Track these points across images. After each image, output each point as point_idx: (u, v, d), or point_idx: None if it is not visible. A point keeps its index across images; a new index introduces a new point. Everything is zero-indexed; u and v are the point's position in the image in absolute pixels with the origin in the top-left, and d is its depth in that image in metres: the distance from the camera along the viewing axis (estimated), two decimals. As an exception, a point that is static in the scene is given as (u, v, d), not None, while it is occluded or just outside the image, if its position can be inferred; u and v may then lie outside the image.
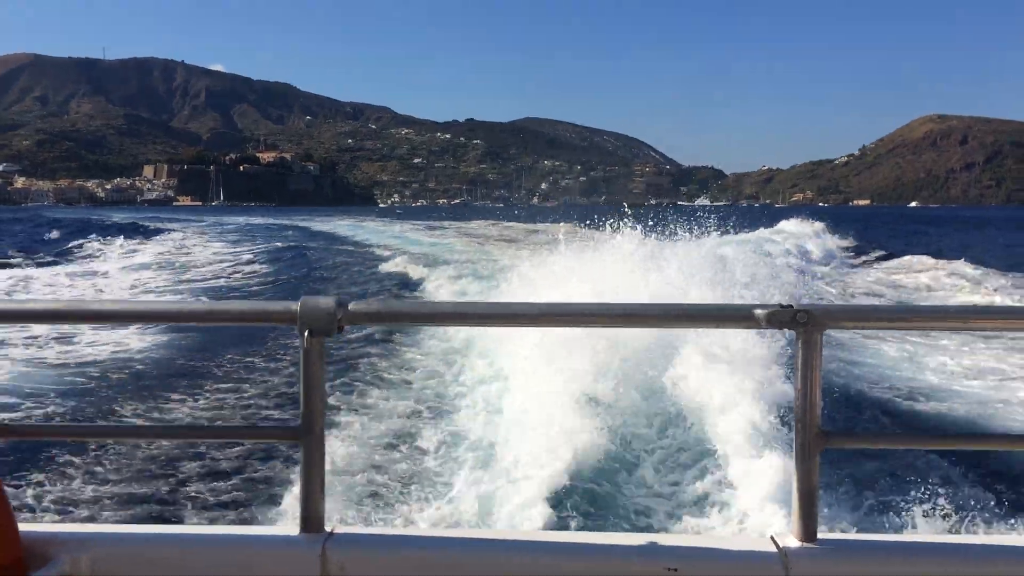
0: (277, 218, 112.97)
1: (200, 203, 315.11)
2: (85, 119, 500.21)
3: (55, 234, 57.09)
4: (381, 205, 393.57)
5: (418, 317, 2.77)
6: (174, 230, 65.86)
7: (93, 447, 9.16)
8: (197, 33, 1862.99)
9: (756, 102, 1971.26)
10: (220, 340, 15.98)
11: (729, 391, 9.73)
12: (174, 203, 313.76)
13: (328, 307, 2.22)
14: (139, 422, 10.77)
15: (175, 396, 12.17)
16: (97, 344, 15.73)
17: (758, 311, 2.22)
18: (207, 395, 12.26)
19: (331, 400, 11.29)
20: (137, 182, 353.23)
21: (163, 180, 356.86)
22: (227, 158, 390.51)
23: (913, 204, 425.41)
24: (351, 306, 2.26)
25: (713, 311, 2.62)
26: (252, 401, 11.96)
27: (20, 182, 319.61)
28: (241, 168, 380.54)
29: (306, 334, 2.21)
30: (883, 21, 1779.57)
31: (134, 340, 16.04)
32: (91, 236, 52.03)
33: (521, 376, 11.28)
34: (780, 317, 2.19)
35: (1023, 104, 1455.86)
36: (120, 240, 49.62)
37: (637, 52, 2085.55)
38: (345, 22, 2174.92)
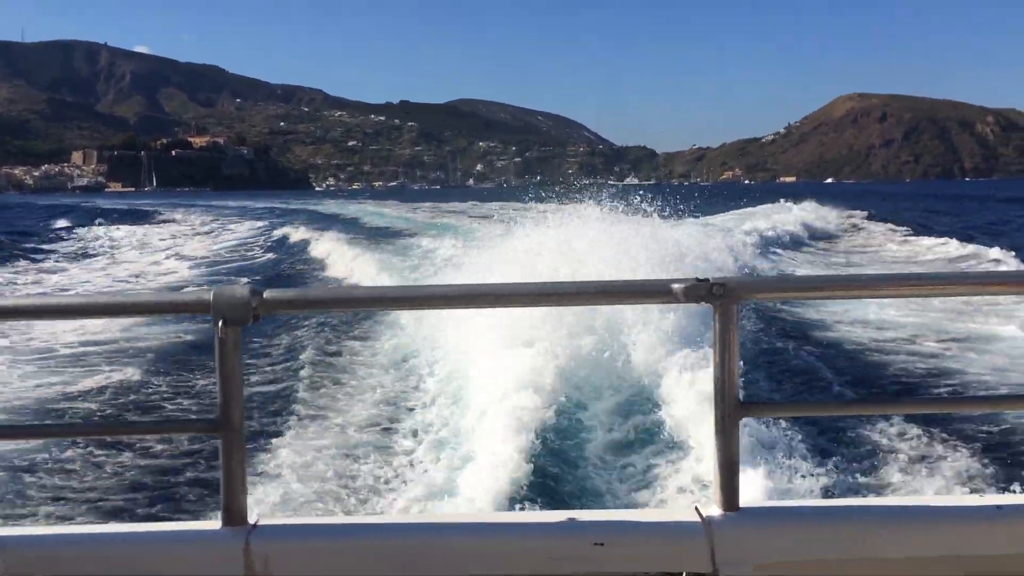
0: (270, 202, 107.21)
1: (132, 189, 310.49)
2: (5, 103, 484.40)
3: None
4: (317, 188, 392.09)
5: (335, 302, 2.74)
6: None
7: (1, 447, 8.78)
8: (119, 14, 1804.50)
9: (687, 82, 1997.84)
10: (139, 331, 15.87)
11: (680, 361, 10.02)
12: (105, 189, 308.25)
13: (243, 296, 2.19)
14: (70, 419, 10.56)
15: (88, 391, 11.95)
16: (8, 340, 15.10)
17: (675, 285, 2.24)
18: (123, 389, 12.07)
19: (276, 391, 11.52)
20: (66, 168, 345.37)
21: (93, 166, 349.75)
22: (158, 143, 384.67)
23: (829, 180, 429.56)
24: (266, 294, 2.23)
25: (630, 287, 2.64)
26: (174, 394, 11.85)
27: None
28: (173, 153, 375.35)
29: (220, 324, 2.19)
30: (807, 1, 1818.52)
31: (48, 334, 15.48)
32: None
33: (472, 357, 11.32)
34: (696, 291, 2.22)
35: (937, 81, 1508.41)
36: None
37: (569, 33, 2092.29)
38: (273, 1, 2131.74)
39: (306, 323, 16.06)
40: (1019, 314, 16.00)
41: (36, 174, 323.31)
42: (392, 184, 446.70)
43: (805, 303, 17.32)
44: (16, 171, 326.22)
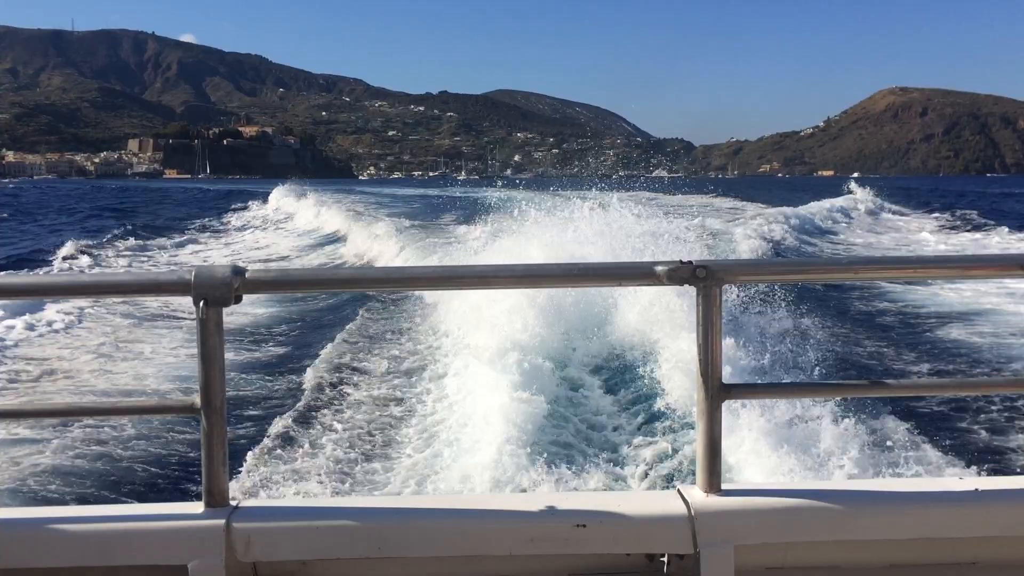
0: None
1: (188, 176, 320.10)
2: (59, 92, 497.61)
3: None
4: (361, 177, 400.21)
5: (317, 283, 2.81)
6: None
7: None
8: (166, 3, 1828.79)
9: (726, 76, 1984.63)
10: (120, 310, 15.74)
11: (677, 342, 9.93)
12: (163, 176, 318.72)
13: (224, 276, 2.17)
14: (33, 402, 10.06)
15: (66, 373, 11.68)
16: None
17: (659, 267, 2.24)
18: (107, 371, 11.80)
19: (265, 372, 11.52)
20: (124, 156, 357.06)
21: (149, 154, 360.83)
22: (210, 132, 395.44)
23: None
24: (248, 274, 2.21)
25: (614, 269, 2.64)
26: (156, 375, 11.50)
27: (10, 156, 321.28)
28: (224, 142, 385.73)
29: (201, 304, 2.16)
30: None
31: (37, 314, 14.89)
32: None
33: (465, 339, 11.38)
34: (680, 273, 2.22)
35: (979, 76, 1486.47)
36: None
37: (610, 25, 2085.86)
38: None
39: (298, 301, 16.51)
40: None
41: (96, 161, 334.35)
42: (433, 174, 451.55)
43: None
44: (77, 158, 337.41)
